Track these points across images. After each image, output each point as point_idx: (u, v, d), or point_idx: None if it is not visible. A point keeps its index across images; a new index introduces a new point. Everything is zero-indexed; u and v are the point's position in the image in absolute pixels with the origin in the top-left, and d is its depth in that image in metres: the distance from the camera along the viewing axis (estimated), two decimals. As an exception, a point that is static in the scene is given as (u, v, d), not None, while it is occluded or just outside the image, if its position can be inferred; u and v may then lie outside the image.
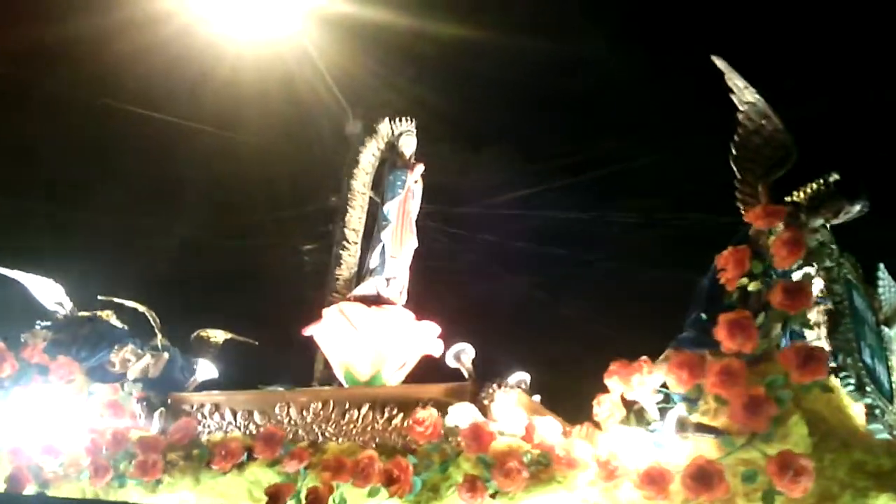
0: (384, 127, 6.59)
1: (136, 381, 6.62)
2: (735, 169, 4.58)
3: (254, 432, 5.60)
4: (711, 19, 12.18)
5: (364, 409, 5.30)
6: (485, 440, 4.52)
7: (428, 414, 4.72)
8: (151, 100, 11.97)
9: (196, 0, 9.74)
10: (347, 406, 5.37)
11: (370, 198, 6.51)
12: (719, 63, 4.48)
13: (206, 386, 6.27)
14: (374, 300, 6.13)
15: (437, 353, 6.10)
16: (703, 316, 4.33)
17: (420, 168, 6.44)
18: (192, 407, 5.95)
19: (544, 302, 13.78)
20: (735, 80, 4.49)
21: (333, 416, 5.41)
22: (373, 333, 5.97)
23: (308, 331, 6.20)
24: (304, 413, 5.52)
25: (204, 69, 11.14)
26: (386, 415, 5.23)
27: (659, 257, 12.16)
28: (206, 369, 6.26)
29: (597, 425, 4.58)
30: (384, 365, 5.98)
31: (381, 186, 6.43)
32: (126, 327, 7.02)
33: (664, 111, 12.74)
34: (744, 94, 4.49)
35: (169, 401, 6.05)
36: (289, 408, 5.58)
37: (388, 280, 6.19)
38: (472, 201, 13.46)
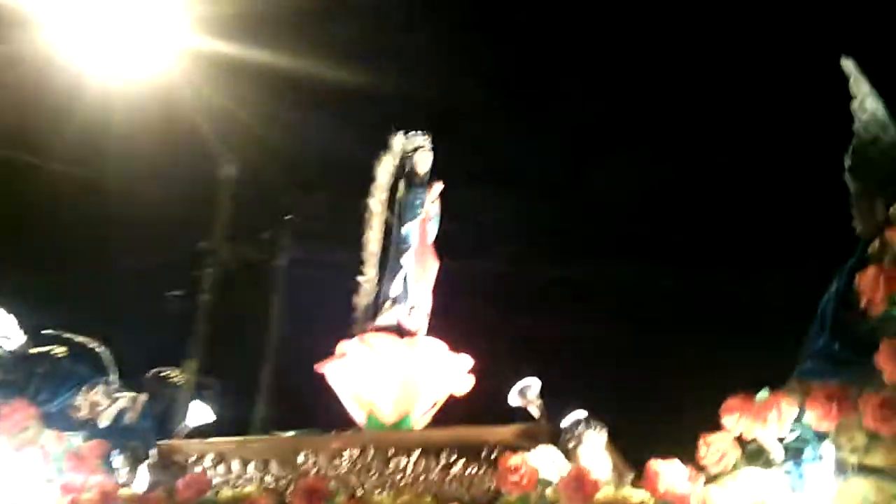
0: (397, 142, 5.95)
1: (90, 429, 5.72)
2: (849, 181, 4.20)
3: (272, 485, 4.84)
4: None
5: (414, 456, 4.61)
6: (588, 490, 3.91)
7: (521, 460, 4.07)
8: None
9: (61, 36, 8.91)
10: (392, 452, 4.67)
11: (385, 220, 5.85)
12: (848, 65, 4.12)
13: (200, 432, 5.41)
14: (399, 331, 5.45)
15: (465, 391, 5.47)
16: (836, 345, 3.88)
17: (439, 186, 5.84)
18: (189, 458, 5.11)
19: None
20: (861, 86, 4.13)
21: (375, 464, 4.69)
22: (402, 369, 5.28)
23: (324, 367, 5.45)
24: (337, 461, 4.78)
25: (67, 106, 10.34)
26: (443, 462, 4.55)
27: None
28: (200, 412, 5.40)
29: (701, 469, 4.07)
30: (414, 406, 5.29)
31: (398, 207, 5.79)
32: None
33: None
34: (865, 102, 4.13)
35: (155, 451, 5.20)
36: (317, 456, 4.83)
37: (410, 309, 5.53)
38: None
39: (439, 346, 5.41)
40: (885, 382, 3.63)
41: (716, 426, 4.08)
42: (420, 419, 5.31)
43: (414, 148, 5.94)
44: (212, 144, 11.47)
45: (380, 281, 5.71)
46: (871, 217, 4.14)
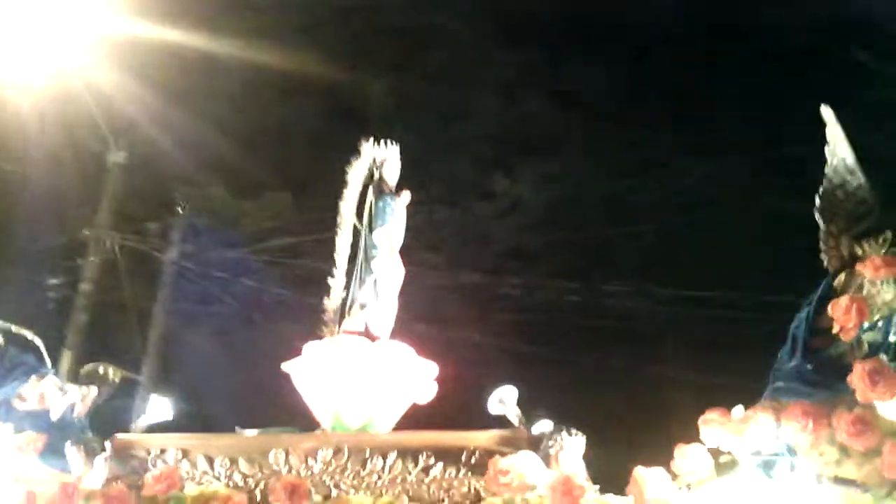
0: (367, 150, 6.03)
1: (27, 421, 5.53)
2: (819, 220, 4.54)
3: (240, 484, 4.79)
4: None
5: (391, 458, 4.67)
6: (576, 495, 4.08)
7: (510, 463, 4.19)
8: None
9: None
10: (368, 454, 4.71)
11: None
12: (827, 113, 4.47)
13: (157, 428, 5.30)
14: (368, 335, 5.51)
15: (428, 399, 5.55)
16: (809, 366, 4.19)
17: (407, 195, 5.94)
18: (151, 452, 5.00)
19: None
20: (836, 131, 4.48)
21: (350, 465, 4.72)
22: (369, 373, 5.33)
23: (287, 366, 5.44)
24: (310, 461, 4.79)
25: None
26: (421, 464, 4.63)
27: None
28: (159, 407, 5.28)
29: (675, 478, 4.30)
30: (380, 411, 5.34)
31: (367, 214, 5.85)
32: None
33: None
34: (837, 147, 4.49)
35: (111, 445, 5.07)
36: (287, 455, 4.82)
37: (378, 314, 5.60)
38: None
39: (407, 351, 5.48)
40: (857, 400, 3.94)
41: (689, 438, 4.33)
42: (384, 425, 5.36)
43: (384, 158, 6.03)
44: (103, 130, 11.38)
45: (347, 286, 5.77)
46: (837, 253, 4.49)
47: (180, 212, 12.95)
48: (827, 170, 4.54)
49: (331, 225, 5.93)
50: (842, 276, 4.40)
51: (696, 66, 12.36)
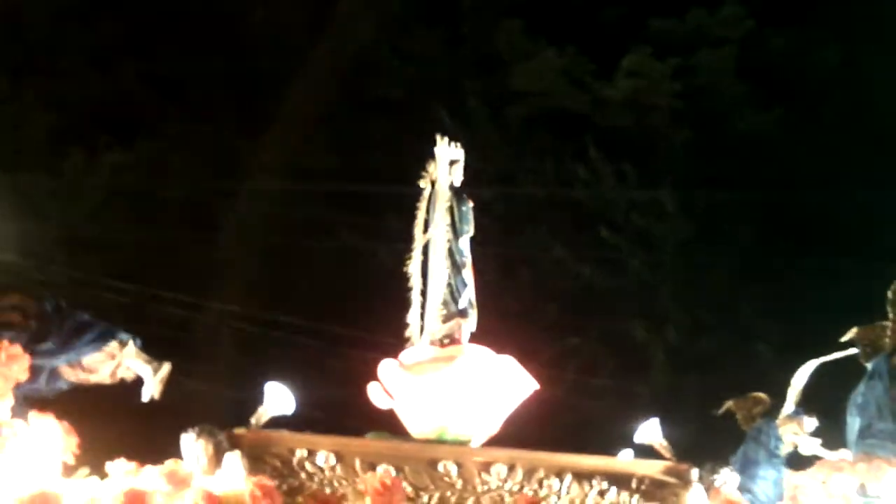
0: (442, 150, 5.80)
1: None
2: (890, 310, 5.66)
3: (410, 495, 4.45)
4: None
5: (567, 480, 4.70)
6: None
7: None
8: None
9: None
10: (543, 474, 4.68)
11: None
12: None
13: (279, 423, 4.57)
14: (461, 343, 5.36)
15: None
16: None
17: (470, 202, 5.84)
18: (293, 453, 4.38)
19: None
20: None
21: (526, 484, 4.65)
22: (479, 382, 5.18)
23: (383, 373, 5.08)
24: (485, 476, 4.60)
25: None
26: (595, 487, 4.74)
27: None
28: (279, 398, 4.53)
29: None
30: (483, 420, 5.21)
31: (450, 220, 5.63)
32: None
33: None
34: None
35: (236, 440, 4.32)
36: (459, 467, 4.58)
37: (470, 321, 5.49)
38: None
39: (489, 353, 5.34)
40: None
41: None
42: (486, 434, 5.23)
43: (453, 160, 5.85)
44: None
45: (423, 292, 5.51)
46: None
47: None
48: None
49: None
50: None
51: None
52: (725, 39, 14.20)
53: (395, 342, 5.64)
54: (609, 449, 5.17)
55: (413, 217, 5.70)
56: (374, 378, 5.22)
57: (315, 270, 11.99)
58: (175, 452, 4.26)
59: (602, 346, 12.74)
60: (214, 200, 12.28)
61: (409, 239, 5.70)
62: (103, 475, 4.12)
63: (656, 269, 13.85)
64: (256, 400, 4.47)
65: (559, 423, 8.99)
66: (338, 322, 10.58)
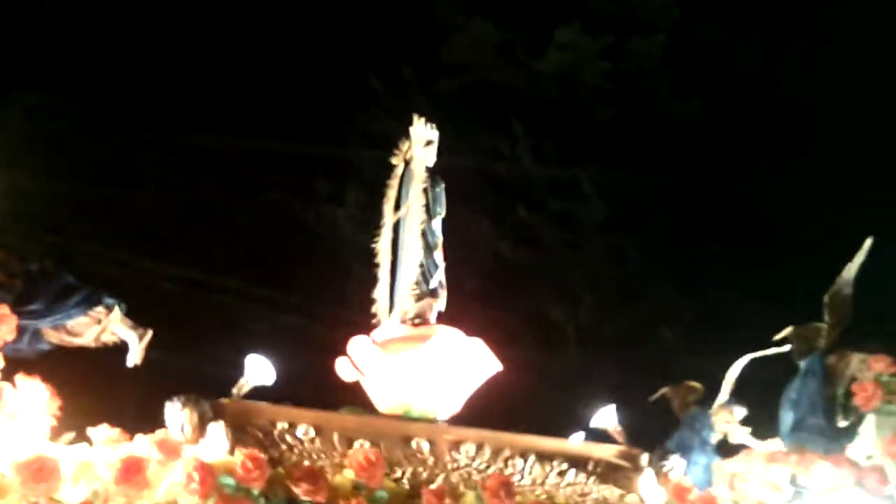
0: (417, 130, 5.88)
1: None
2: (825, 312, 6.06)
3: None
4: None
5: (531, 460, 4.92)
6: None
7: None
8: None
9: None
10: (509, 454, 4.89)
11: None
12: (867, 244, 5.93)
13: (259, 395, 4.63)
14: (429, 322, 5.51)
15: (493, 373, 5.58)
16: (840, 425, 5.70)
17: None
18: (274, 425, 4.46)
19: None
20: (858, 258, 5.98)
21: (493, 462, 4.85)
22: (447, 360, 5.34)
23: (353, 349, 5.19)
24: (454, 454, 4.79)
25: None
26: (555, 468, 4.97)
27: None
28: (260, 370, 4.59)
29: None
30: (450, 396, 5.38)
31: (425, 200, 5.72)
32: None
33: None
34: (851, 268, 6.01)
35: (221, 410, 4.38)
36: (432, 444, 4.74)
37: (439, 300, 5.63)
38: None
39: (459, 335, 5.49)
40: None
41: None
42: (451, 410, 5.39)
43: (428, 140, 5.92)
44: None
45: (393, 271, 5.62)
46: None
47: None
48: (837, 279, 6.05)
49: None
50: (832, 359, 5.97)
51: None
52: (657, 26, 14.58)
53: (358, 318, 5.76)
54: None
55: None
56: (339, 354, 5.33)
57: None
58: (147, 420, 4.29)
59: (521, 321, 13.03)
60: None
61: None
62: (84, 440, 4.15)
63: (574, 248, 14.24)
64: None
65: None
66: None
